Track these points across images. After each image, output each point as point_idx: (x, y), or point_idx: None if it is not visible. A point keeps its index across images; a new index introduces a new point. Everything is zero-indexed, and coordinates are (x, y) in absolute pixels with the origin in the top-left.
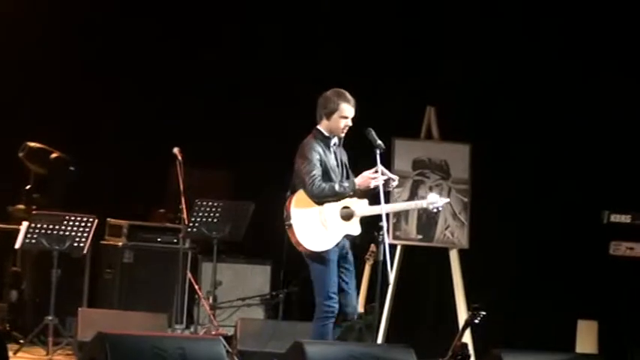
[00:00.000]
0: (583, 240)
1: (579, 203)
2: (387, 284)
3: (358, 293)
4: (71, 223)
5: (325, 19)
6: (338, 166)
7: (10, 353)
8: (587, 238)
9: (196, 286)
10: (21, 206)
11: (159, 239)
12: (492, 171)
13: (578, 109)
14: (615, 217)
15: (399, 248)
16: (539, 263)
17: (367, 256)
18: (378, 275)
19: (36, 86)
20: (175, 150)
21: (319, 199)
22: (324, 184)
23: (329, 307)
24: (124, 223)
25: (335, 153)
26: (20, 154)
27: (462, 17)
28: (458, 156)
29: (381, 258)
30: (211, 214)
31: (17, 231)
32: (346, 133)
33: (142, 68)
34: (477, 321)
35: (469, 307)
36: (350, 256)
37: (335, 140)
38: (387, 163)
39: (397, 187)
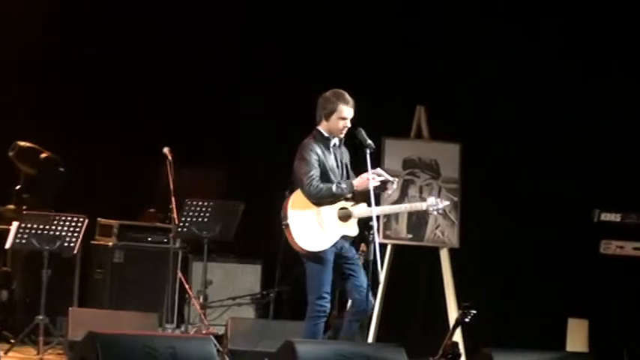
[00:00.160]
0: (573, 239)
1: (570, 202)
2: (378, 283)
3: None
4: (61, 223)
5: (318, 19)
6: (338, 167)
7: (1, 353)
8: (578, 236)
9: (187, 286)
10: (11, 206)
11: (149, 239)
12: (482, 170)
13: (568, 109)
14: (605, 216)
15: (389, 247)
16: (530, 262)
17: (358, 256)
18: (369, 274)
19: (27, 85)
20: (165, 150)
21: (316, 199)
22: (321, 185)
23: (321, 306)
24: (114, 222)
25: (335, 154)
26: (10, 154)
27: (452, 17)
28: (448, 155)
29: (372, 257)
30: (201, 214)
31: (7, 231)
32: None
33: (133, 68)
34: (467, 320)
35: (459, 306)
36: (351, 254)
37: (335, 141)
38: (377, 163)
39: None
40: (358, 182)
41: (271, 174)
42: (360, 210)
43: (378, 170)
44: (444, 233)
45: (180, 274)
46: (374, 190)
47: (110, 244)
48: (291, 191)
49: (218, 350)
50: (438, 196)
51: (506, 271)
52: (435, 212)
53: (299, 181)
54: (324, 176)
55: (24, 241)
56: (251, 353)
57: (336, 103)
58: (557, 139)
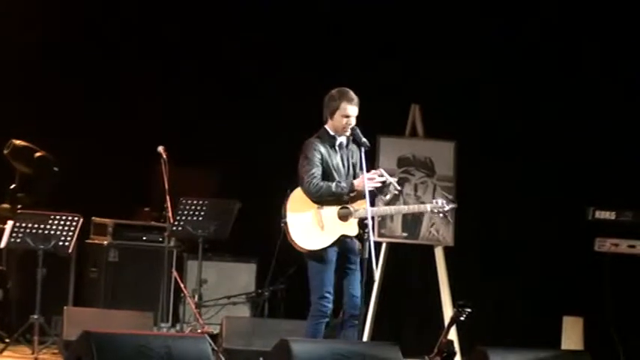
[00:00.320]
0: (568, 237)
1: (564, 200)
2: (373, 282)
3: None
4: (56, 222)
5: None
6: (344, 166)
7: None
8: (572, 234)
9: (182, 285)
10: (6, 205)
11: (144, 238)
12: (477, 168)
13: (562, 107)
14: (600, 214)
15: (384, 246)
16: (525, 260)
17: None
18: (364, 273)
19: (22, 84)
20: (160, 148)
21: (316, 198)
22: (321, 183)
23: (323, 306)
24: (109, 221)
25: (341, 153)
26: (5, 152)
27: (447, 15)
28: (443, 153)
29: (367, 256)
30: (196, 213)
31: (2, 230)
32: None
33: (127, 68)
34: (462, 318)
35: (454, 305)
36: (353, 257)
37: (342, 140)
38: (372, 161)
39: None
40: (358, 182)
41: (267, 173)
42: (361, 210)
43: (380, 171)
44: (439, 231)
45: (175, 273)
46: (374, 191)
47: (105, 243)
48: (292, 189)
49: (213, 349)
50: (433, 194)
51: (501, 269)
52: (441, 215)
53: (300, 179)
54: (328, 175)
55: (19, 240)
56: (246, 352)
57: (339, 101)
58: (552, 137)
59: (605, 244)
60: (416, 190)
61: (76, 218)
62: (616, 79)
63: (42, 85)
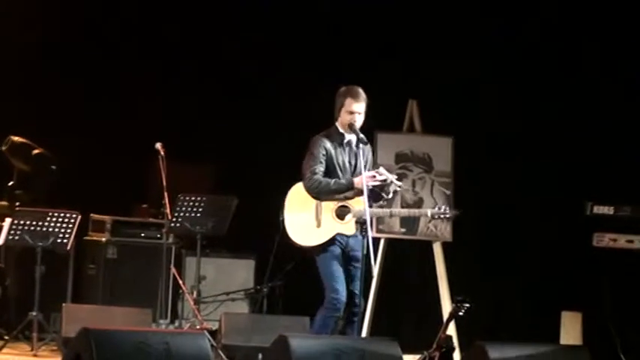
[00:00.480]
0: (566, 232)
1: (562, 195)
2: (371, 278)
3: None
4: (54, 219)
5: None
6: (350, 164)
7: None
8: (571, 229)
9: (180, 281)
10: (4, 203)
11: (142, 234)
12: (475, 164)
13: (560, 102)
14: (598, 209)
15: (382, 242)
16: (523, 255)
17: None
18: (362, 269)
19: (22, 84)
20: (158, 145)
21: (315, 194)
22: (321, 179)
23: (335, 299)
24: (107, 218)
25: (349, 151)
26: (3, 148)
27: (445, 11)
28: (440, 149)
29: (365, 252)
30: (194, 209)
31: (0, 228)
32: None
33: (127, 68)
34: (461, 313)
35: (453, 300)
36: (357, 254)
37: (350, 138)
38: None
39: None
40: (358, 180)
41: (264, 169)
42: (359, 209)
43: (380, 169)
44: (437, 227)
45: (173, 270)
46: (376, 190)
47: (103, 239)
48: None
49: (212, 345)
50: (431, 189)
51: (500, 265)
52: (444, 218)
53: (302, 175)
54: (332, 172)
55: (17, 237)
56: (245, 348)
57: (344, 98)
58: (550, 132)
59: (604, 239)
60: (414, 185)
61: (74, 215)
62: (615, 74)
63: (42, 85)
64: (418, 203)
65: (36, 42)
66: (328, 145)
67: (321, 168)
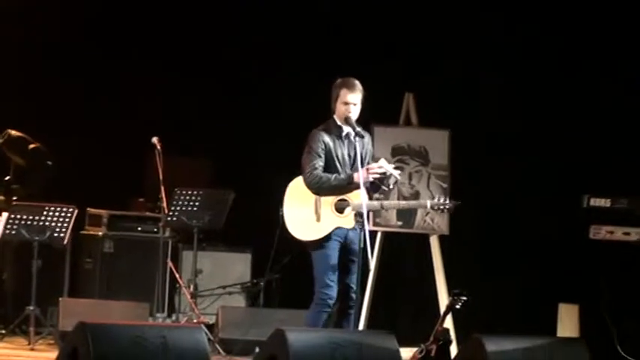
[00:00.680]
0: (563, 224)
1: (559, 187)
2: (368, 271)
3: None
4: (51, 214)
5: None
6: (349, 157)
7: None
8: (567, 222)
9: (177, 275)
10: (0, 197)
11: (139, 228)
12: (471, 156)
13: (558, 95)
14: (595, 201)
15: (379, 235)
16: (520, 248)
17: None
18: (359, 262)
19: (22, 84)
20: (154, 139)
21: (315, 189)
22: (321, 174)
23: (325, 294)
24: (103, 212)
25: (349, 144)
26: (0, 141)
27: (444, 6)
28: (437, 142)
29: (362, 245)
30: (191, 203)
31: None
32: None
33: (127, 68)
34: (458, 306)
35: (450, 293)
36: (355, 247)
37: (349, 130)
38: None
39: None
40: (357, 174)
41: (262, 164)
42: (358, 202)
43: (381, 162)
44: (433, 220)
45: (170, 264)
46: (376, 182)
47: (100, 233)
48: None
49: (209, 339)
50: (427, 182)
51: (497, 257)
52: (443, 209)
53: (302, 170)
54: (331, 166)
55: (14, 231)
56: (242, 342)
57: (339, 88)
58: (547, 126)
59: (601, 232)
60: (410, 179)
61: (70, 209)
62: (613, 68)
63: (42, 85)
64: (415, 196)
65: (36, 42)
66: (327, 138)
67: (320, 163)
